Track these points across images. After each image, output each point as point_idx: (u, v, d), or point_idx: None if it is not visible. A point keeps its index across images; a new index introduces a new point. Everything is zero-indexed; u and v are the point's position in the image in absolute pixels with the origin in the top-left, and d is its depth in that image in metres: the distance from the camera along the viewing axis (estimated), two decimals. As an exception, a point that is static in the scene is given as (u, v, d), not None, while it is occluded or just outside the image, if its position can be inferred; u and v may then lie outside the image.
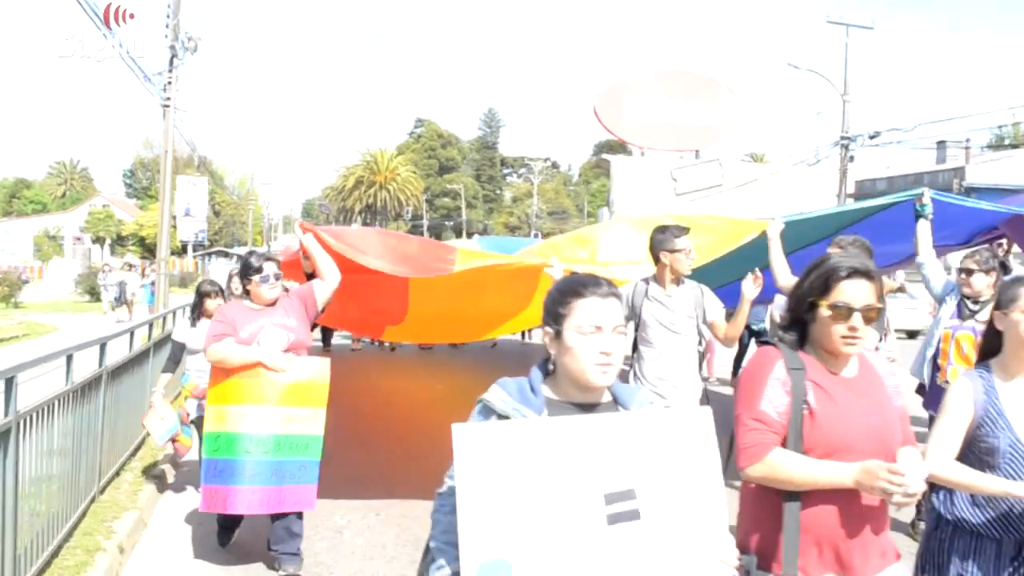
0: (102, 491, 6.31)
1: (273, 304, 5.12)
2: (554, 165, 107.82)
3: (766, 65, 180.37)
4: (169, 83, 18.12)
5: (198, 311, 6.61)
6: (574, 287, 2.13)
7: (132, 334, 8.18)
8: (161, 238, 18.45)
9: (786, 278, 5.45)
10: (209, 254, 34.25)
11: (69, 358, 5.53)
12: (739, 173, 49.21)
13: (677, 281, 5.14)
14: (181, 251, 47.89)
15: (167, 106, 18.05)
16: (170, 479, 7.36)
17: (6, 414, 4.17)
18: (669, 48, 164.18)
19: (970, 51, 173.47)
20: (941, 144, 34.17)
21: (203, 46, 18.76)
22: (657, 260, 5.11)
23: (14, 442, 4.19)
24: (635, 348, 5.24)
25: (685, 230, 5.05)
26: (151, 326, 9.42)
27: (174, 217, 52.76)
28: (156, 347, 8.93)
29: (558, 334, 2.11)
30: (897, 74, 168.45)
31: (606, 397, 2.17)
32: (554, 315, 2.14)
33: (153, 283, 25.03)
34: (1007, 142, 49.43)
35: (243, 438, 4.87)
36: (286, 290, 5.37)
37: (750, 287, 4.92)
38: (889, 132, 26.53)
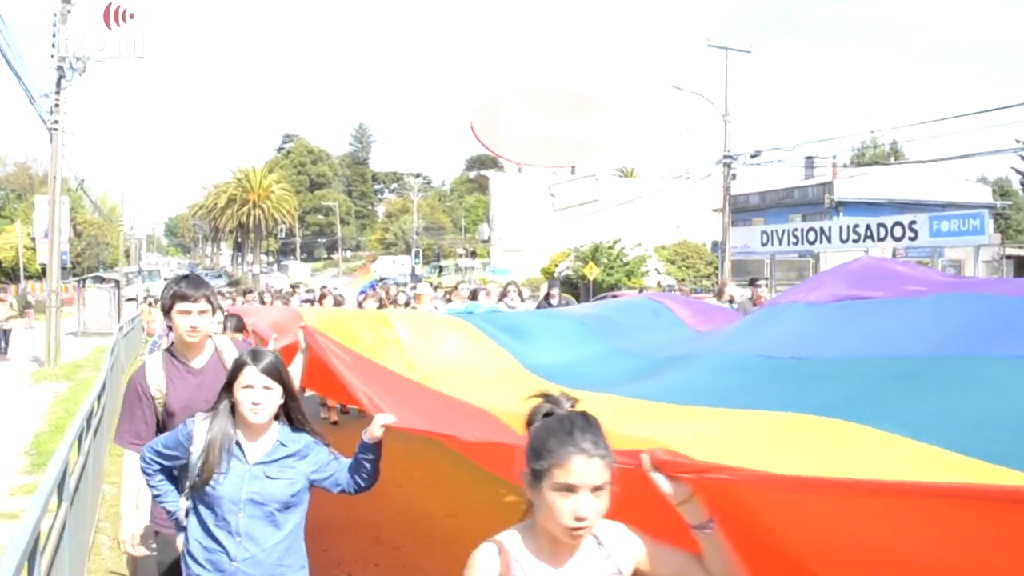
0: None
1: None
2: (427, 181, 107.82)
3: (648, 84, 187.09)
4: (56, 105, 17.20)
5: None
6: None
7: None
8: (51, 267, 17.43)
9: None
10: (83, 279, 32.16)
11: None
12: (614, 188, 50.82)
13: None
14: (40, 275, 45.14)
15: (55, 129, 17.10)
16: None
17: None
18: (550, 67, 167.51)
19: (836, 74, 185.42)
20: (809, 160, 36.38)
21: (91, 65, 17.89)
22: None
23: None
24: None
25: None
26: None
27: (33, 239, 49.85)
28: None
29: None
30: (770, 95, 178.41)
31: None
32: None
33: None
34: (867, 156, 52.94)
35: None
36: None
37: None
38: (770, 151, 27.95)
